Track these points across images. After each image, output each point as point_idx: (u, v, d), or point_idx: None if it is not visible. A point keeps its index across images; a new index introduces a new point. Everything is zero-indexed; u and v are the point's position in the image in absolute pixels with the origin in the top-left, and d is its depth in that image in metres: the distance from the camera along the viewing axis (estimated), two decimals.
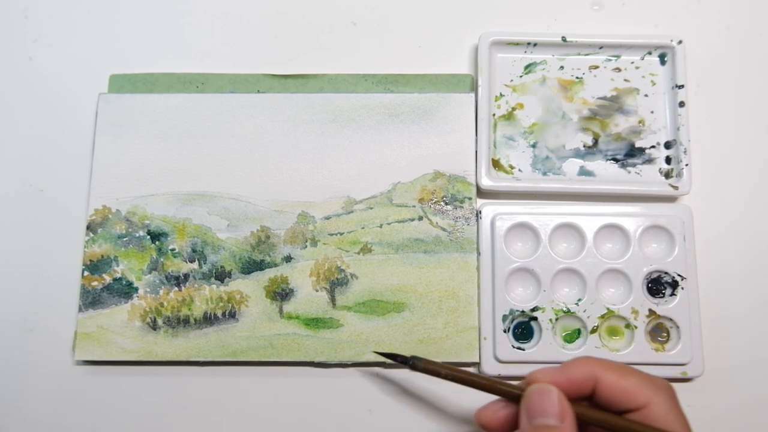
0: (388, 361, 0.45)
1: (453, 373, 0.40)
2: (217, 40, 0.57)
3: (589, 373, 0.36)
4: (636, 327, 0.49)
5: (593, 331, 0.49)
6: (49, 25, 0.57)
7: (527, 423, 0.36)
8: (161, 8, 0.58)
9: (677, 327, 0.49)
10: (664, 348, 0.49)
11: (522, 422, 0.36)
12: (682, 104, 0.53)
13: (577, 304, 0.49)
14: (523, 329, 0.50)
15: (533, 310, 0.49)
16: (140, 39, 0.57)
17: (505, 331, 0.49)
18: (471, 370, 0.48)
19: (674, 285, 0.49)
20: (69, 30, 0.57)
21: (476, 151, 0.52)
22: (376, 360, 0.49)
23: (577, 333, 0.50)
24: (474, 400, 0.49)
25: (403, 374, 0.50)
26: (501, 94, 0.54)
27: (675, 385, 0.45)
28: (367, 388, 0.50)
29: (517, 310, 0.49)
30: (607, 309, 0.49)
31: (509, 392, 0.38)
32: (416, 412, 0.50)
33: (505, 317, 0.49)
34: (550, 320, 0.49)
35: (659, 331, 0.50)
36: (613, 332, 0.49)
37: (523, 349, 0.49)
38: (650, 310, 0.49)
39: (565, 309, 0.49)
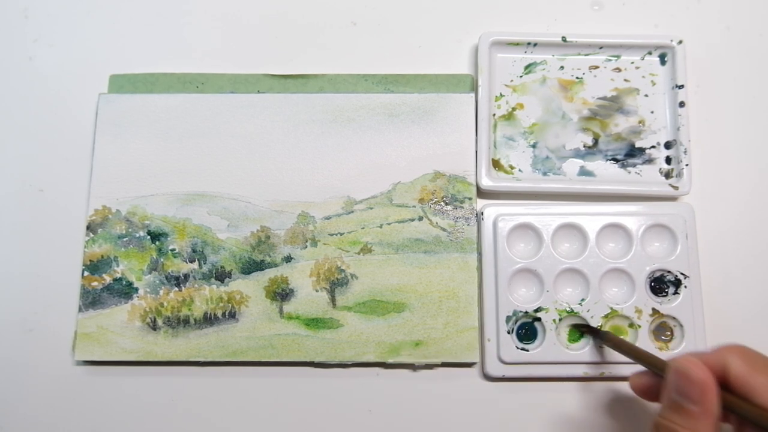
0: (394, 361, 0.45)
1: (631, 347, 0.45)
2: (217, 40, 0.57)
3: (722, 358, 0.36)
4: (640, 326, 0.49)
5: None
6: (49, 25, 0.57)
7: (667, 394, 0.36)
8: (161, 8, 0.58)
9: (681, 326, 0.49)
10: (668, 347, 0.49)
11: (664, 393, 0.36)
12: (682, 104, 0.53)
13: (580, 304, 0.49)
14: (527, 330, 0.50)
15: (537, 310, 0.49)
16: (140, 39, 0.57)
17: (508, 332, 0.49)
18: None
19: (677, 284, 0.49)
20: (69, 30, 0.57)
21: (476, 151, 0.52)
22: (376, 360, 0.49)
23: (581, 333, 0.49)
24: (473, 399, 0.49)
25: (404, 374, 0.50)
26: (501, 94, 0.54)
27: None
28: (367, 388, 0.50)
29: (521, 311, 0.49)
30: (611, 308, 0.49)
31: (660, 365, 0.40)
32: (416, 412, 0.49)
33: (508, 318, 0.49)
34: (554, 321, 0.49)
35: (663, 329, 0.49)
36: (617, 332, 0.49)
37: (527, 350, 0.49)
38: (654, 309, 0.49)
39: (568, 309, 0.49)
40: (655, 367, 0.40)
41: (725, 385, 0.35)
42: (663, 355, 0.48)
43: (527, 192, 0.52)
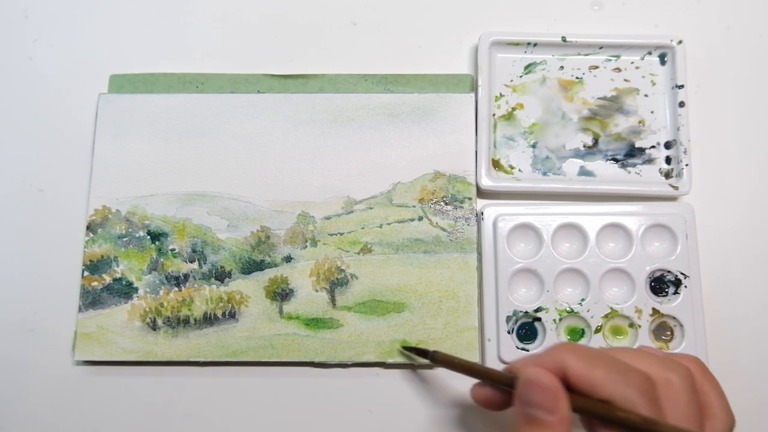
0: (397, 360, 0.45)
1: (464, 364, 0.43)
2: (217, 40, 0.57)
3: (559, 361, 0.35)
4: (640, 326, 0.49)
5: (597, 330, 0.49)
6: (49, 25, 0.57)
7: (520, 409, 0.36)
8: (161, 8, 0.58)
9: (681, 325, 0.49)
10: (668, 347, 0.49)
11: (515, 406, 0.36)
12: (682, 104, 0.53)
13: (580, 304, 0.49)
14: (527, 330, 0.50)
15: (537, 310, 0.49)
16: (140, 39, 0.57)
17: (509, 332, 0.49)
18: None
19: (677, 283, 0.49)
20: (69, 30, 0.57)
21: (476, 151, 0.52)
22: (376, 360, 0.49)
23: (581, 333, 0.49)
24: (471, 401, 0.49)
25: (404, 374, 0.50)
26: (501, 94, 0.54)
27: None
28: (367, 388, 0.50)
29: (521, 311, 0.49)
30: (611, 308, 0.49)
31: (503, 379, 0.39)
32: (416, 412, 0.49)
33: (508, 318, 0.49)
34: (554, 320, 0.49)
35: (663, 329, 0.49)
36: (617, 331, 0.49)
37: (528, 350, 0.49)
38: (654, 309, 0.49)
39: (568, 309, 0.49)
40: (498, 382, 0.39)
41: (566, 385, 0.35)
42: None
43: (527, 192, 0.52)
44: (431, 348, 0.47)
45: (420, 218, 0.51)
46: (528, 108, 0.54)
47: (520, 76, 0.55)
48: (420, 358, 0.48)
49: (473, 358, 0.49)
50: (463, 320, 0.49)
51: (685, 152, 0.52)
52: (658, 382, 0.35)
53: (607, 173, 0.53)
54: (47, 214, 0.53)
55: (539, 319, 0.49)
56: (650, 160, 0.53)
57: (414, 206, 0.52)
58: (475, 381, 0.41)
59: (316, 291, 0.50)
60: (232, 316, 0.50)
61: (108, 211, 0.52)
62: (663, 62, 0.54)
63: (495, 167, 0.53)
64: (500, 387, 0.39)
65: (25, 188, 0.54)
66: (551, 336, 0.49)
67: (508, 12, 0.57)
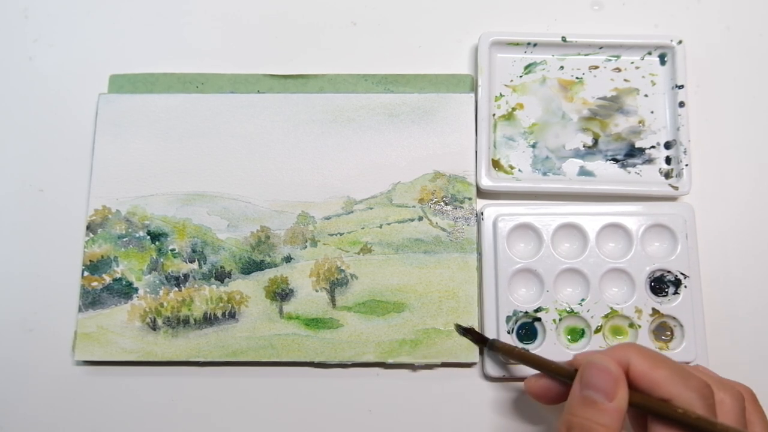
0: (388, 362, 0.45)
1: (523, 354, 0.44)
2: (217, 40, 0.57)
3: (623, 356, 0.36)
4: (640, 326, 0.49)
5: (597, 330, 0.49)
6: (49, 25, 0.57)
7: (578, 391, 0.37)
8: (161, 8, 0.58)
9: (681, 326, 0.49)
10: (668, 347, 0.49)
11: (574, 388, 0.37)
12: (682, 104, 0.53)
13: (580, 304, 0.49)
14: (527, 330, 0.50)
15: (537, 310, 0.49)
16: (140, 39, 0.57)
17: (509, 332, 0.49)
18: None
19: (677, 284, 0.49)
20: (69, 30, 0.57)
21: (476, 151, 0.52)
22: (376, 360, 0.49)
23: (581, 333, 0.49)
24: (473, 399, 0.49)
25: (404, 374, 0.50)
26: (501, 94, 0.54)
27: None
28: (367, 388, 0.50)
29: (521, 311, 0.49)
30: (611, 308, 0.49)
31: (563, 372, 0.40)
32: (416, 412, 0.49)
33: (508, 318, 0.49)
34: (554, 321, 0.49)
35: (663, 329, 0.49)
36: (617, 332, 0.49)
37: (528, 350, 0.49)
38: (654, 309, 0.49)
39: (568, 309, 0.49)
40: (557, 374, 0.40)
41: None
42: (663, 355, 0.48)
43: (527, 192, 0.52)
44: (432, 347, 0.47)
45: (420, 218, 0.51)
46: (528, 108, 0.54)
47: (520, 76, 0.55)
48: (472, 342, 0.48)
49: (473, 358, 0.49)
50: (463, 320, 0.49)
51: (685, 152, 0.52)
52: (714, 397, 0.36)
53: (607, 173, 0.53)
54: (47, 214, 0.53)
55: (539, 319, 0.49)
56: (650, 160, 0.53)
57: (414, 206, 0.52)
58: (531, 372, 0.42)
59: (316, 291, 0.50)
60: (232, 316, 0.50)
61: (108, 211, 0.52)
62: (663, 62, 0.54)
63: (495, 167, 0.53)
64: (559, 379, 0.40)
65: (25, 188, 0.54)
66: (551, 336, 0.49)
67: (508, 12, 0.57)
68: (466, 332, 0.46)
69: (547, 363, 0.41)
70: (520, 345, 0.49)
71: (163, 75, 0.55)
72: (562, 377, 0.40)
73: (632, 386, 0.36)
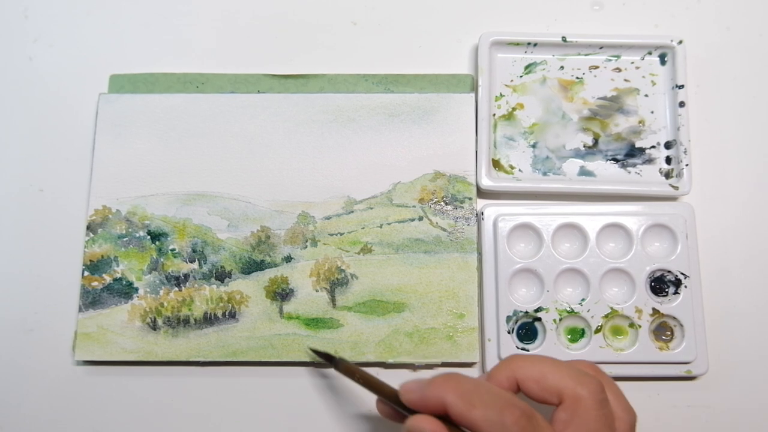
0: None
1: (365, 376, 0.42)
2: (217, 40, 0.57)
3: (440, 397, 0.35)
4: (640, 326, 0.49)
5: (597, 330, 0.49)
6: (49, 25, 0.57)
7: None
8: (161, 8, 0.58)
9: (681, 325, 0.49)
10: (668, 347, 0.49)
11: None
12: (682, 104, 0.53)
13: (580, 304, 0.49)
14: (527, 330, 0.50)
15: (537, 310, 0.49)
16: (140, 39, 0.57)
17: (509, 332, 0.49)
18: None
19: (677, 283, 0.49)
20: (69, 30, 0.57)
21: (476, 151, 0.52)
22: (376, 360, 0.49)
23: (581, 333, 0.49)
24: None
25: (404, 374, 0.50)
26: (501, 94, 0.54)
27: (679, 383, 0.45)
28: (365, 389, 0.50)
29: (521, 311, 0.49)
30: (611, 308, 0.49)
31: (395, 400, 0.39)
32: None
33: (509, 318, 0.49)
34: (554, 321, 0.49)
35: (663, 329, 0.49)
36: (617, 331, 0.49)
37: (528, 350, 0.49)
38: (654, 309, 0.49)
39: (568, 309, 0.49)
40: (390, 400, 0.40)
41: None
42: (663, 355, 0.48)
43: (527, 192, 0.52)
44: (432, 347, 0.47)
45: (420, 218, 0.51)
46: (528, 108, 0.54)
47: (520, 76, 0.55)
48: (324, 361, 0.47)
49: (473, 358, 0.49)
50: (463, 320, 0.49)
51: (685, 152, 0.52)
52: (566, 398, 0.35)
53: (607, 173, 0.53)
54: (47, 214, 0.53)
55: (539, 319, 0.49)
56: (650, 160, 0.53)
57: (414, 206, 0.52)
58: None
59: (316, 291, 0.50)
60: (232, 316, 0.50)
61: (108, 211, 0.52)
62: (663, 62, 0.54)
63: (495, 167, 0.53)
64: (393, 407, 0.40)
65: (25, 188, 0.54)
66: (551, 336, 0.49)
67: (508, 12, 0.57)
68: (316, 353, 0.47)
69: (381, 389, 0.41)
70: (520, 344, 0.49)
71: (163, 75, 0.55)
72: (395, 405, 0.39)
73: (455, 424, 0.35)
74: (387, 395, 0.40)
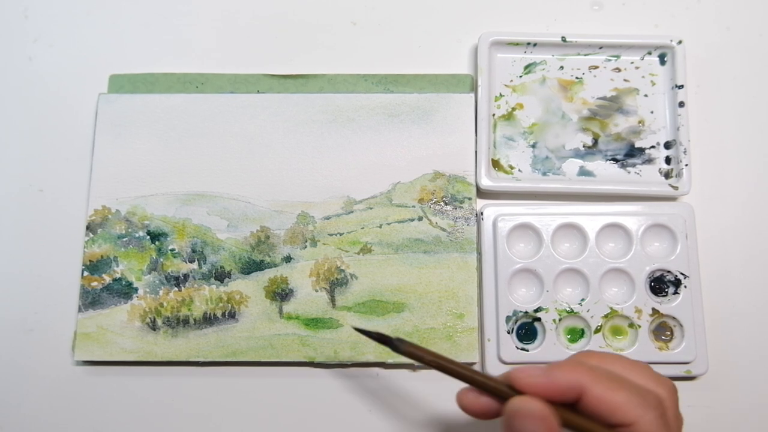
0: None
1: (437, 359, 0.37)
2: (217, 40, 0.57)
3: (576, 382, 0.34)
4: (639, 326, 0.49)
5: (597, 330, 0.49)
6: (49, 25, 0.57)
7: None
8: (161, 8, 0.58)
9: (681, 325, 0.49)
10: (668, 347, 0.49)
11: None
12: (682, 104, 0.53)
13: (580, 304, 0.49)
14: (527, 330, 0.50)
15: (536, 310, 0.49)
16: (140, 39, 0.57)
17: (508, 332, 0.49)
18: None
19: (677, 283, 0.49)
20: (69, 30, 0.57)
21: (476, 151, 0.52)
22: (376, 360, 0.49)
23: (581, 333, 0.50)
24: None
25: (404, 374, 0.50)
26: (501, 94, 0.54)
27: (679, 384, 0.45)
28: (367, 388, 0.50)
29: (521, 311, 0.49)
30: (611, 308, 0.49)
31: (493, 388, 0.36)
32: (416, 412, 0.49)
33: (508, 318, 0.49)
34: (554, 321, 0.49)
35: (663, 329, 0.49)
36: (616, 331, 0.49)
37: (527, 350, 0.49)
38: (653, 309, 0.49)
39: (568, 309, 0.49)
40: (490, 391, 0.36)
41: (576, 404, 0.34)
42: (663, 355, 0.48)
43: (527, 192, 0.52)
44: (432, 347, 0.46)
45: (420, 218, 0.51)
46: (528, 108, 0.54)
47: (520, 76, 0.55)
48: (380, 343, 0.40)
49: (473, 358, 0.49)
50: (463, 320, 0.49)
51: (684, 152, 0.52)
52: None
53: (606, 173, 0.53)
54: (47, 214, 0.53)
55: (539, 319, 0.49)
56: (650, 160, 0.53)
57: (414, 206, 0.52)
58: (461, 384, 0.37)
59: (316, 291, 0.50)
60: (231, 316, 0.50)
61: (108, 211, 0.52)
62: (663, 62, 0.54)
63: (495, 167, 0.53)
64: (489, 394, 0.36)
65: (25, 188, 0.54)
66: (551, 336, 0.49)
67: (508, 12, 0.57)
68: (366, 333, 0.40)
69: (473, 377, 0.36)
70: (520, 344, 0.49)
71: (163, 75, 0.55)
72: (494, 394, 0.36)
73: (584, 410, 0.34)
74: (481, 383, 0.36)
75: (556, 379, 0.34)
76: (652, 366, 0.47)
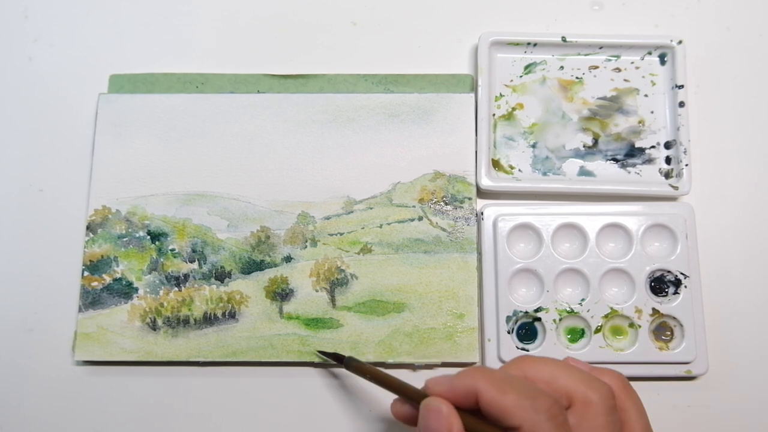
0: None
1: (377, 374, 0.42)
2: (217, 40, 0.57)
3: (471, 386, 0.35)
4: (640, 326, 0.49)
5: (597, 330, 0.49)
6: (49, 25, 0.57)
7: None
8: (161, 8, 0.58)
9: (681, 325, 0.49)
10: (668, 347, 0.49)
11: (417, 429, 0.37)
12: (682, 104, 0.53)
13: (580, 304, 0.49)
14: (527, 330, 0.50)
15: (537, 310, 0.49)
16: (140, 39, 0.57)
17: (509, 333, 0.49)
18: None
19: (677, 283, 0.49)
20: (69, 30, 0.57)
21: (476, 151, 0.52)
22: (376, 360, 0.49)
23: (581, 333, 0.50)
24: None
25: (404, 374, 0.50)
26: (501, 94, 0.54)
27: (679, 383, 0.45)
28: (366, 388, 0.50)
29: (521, 311, 0.49)
30: (611, 308, 0.49)
31: (413, 394, 0.39)
32: None
33: (508, 318, 0.49)
34: (554, 321, 0.49)
35: (663, 329, 0.49)
36: (617, 331, 0.49)
37: (528, 350, 0.49)
38: (654, 309, 0.49)
39: (568, 309, 0.49)
40: (410, 398, 0.39)
41: (476, 410, 0.36)
42: (663, 355, 0.48)
43: (527, 192, 0.52)
44: (432, 347, 0.47)
45: (420, 218, 0.51)
46: (528, 108, 0.54)
47: (520, 76, 0.55)
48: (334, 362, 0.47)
49: (473, 358, 0.49)
50: (463, 320, 0.49)
51: (685, 152, 0.52)
52: (576, 402, 0.35)
53: (607, 173, 0.53)
54: (47, 214, 0.53)
55: (539, 319, 0.49)
56: (650, 160, 0.53)
57: (414, 206, 0.52)
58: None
59: (316, 291, 0.50)
60: (232, 316, 0.50)
61: (108, 211, 0.52)
62: (663, 62, 0.54)
63: (495, 167, 0.53)
64: (412, 403, 0.39)
65: (25, 188, 0.54)
66: (551, 336, 0.49)
67: (508, 12, 0.57)
68: (325, 355, 0.48)
69: (399, 386, 0.40)
70: (520, 344, 0.49)
71: (163, 75, 0.55)
72: (415, 402, 0.38)
73: (484, 413, 0.35)
74: (403, 391, 0.39)
75: (454, 384, 0.36)
76: (651, 365, 0.48)
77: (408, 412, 0.39)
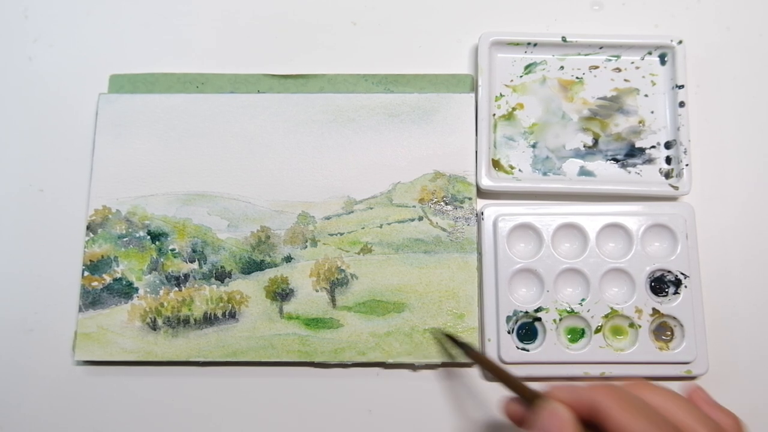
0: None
1: (496, 368, 0.43)
2: (217, 40, 0.57)
3: (596, 401, 0.35)
4: (640, 326, 0.49)
5: (597, 330, 0.49)
6: (49, 25, 0.57)
7: None
8: (161, 8, 0.58)
9: (681, 325, 0.49)
10: (668, 347, 0.49)
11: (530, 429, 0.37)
12: (682, 104, 0.53)
13: (580, 304, 0.49)
14: (527, 330, 0.50)
15: (537, 310, 0.49)
16: (140, 39, 0.57)
17: (509, 332, 0.49)
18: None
19: (677, 283, 0.49)
20: (69, 30, 0.57)
21: (476, 151, 0.52)
22: (376, 360, 0.49)
23: (582, 333, 0.50)
24: (473, 399, 0.49)
25: (404, 374, 0.50)
26: (501, 94, 0.54)
27: (679, 384, 0.45)
28: (367, 388, 0.50)
29: (521, 311, 0.49)
30: (611, 308, 0.49)
31: (529, 396, 0.39)
32: (416, 412, 0.49)
33: (509, 318, 0.49)
34: (554, 321, 0.49)
35: (663, 329, 0.49)
36: (617, 331, 0.49)
37: (528, 350, 0.49)
38: (654, 309, 0.49)
39: (568, 309, 0.49)
40: (524, 397, 0.39)
41: (597, 425, 0.35)
42: (663, 355, 0.48)
43: (527, 192, 0.52)
44: (432, 347, 0.47)
45: (420, 218, 0.51)
46: (528, 108, 0.54)
47: (520, 76, 0.55)
48: (453, 349, 0.48)
49: None
50: (463, 320, 0.49)
51: (685, 152, 0.52)
52: None
53: (607, 173, 0.53)
54: (47, 214, 0.53)
55: (539, 319, 0.49)
56: (650, 160, 0.53)
57: (414, 206, 0.52)
58: (507, 393, 0.41)
59: (316, 291, 0.50)
60: (232, 316, 0.50)
61: (108, 211, 0.52)
62: (663, 62, 0.54)
63: (495, 167, 0.53)
64: (524, 402, 0.39)
65: (25, 188, 0.54)
66: (551, 336, 0.49)
67: (508, 12, 0.57)
68: (449, 338, 0.48)
69: (516, 385, 0.40)
70: (520, 344, 0.49)
71: (163, 75, 0.55)
72: (529, 402, 0.39)
73: (603, 430, 0.35)
74: (519, 390, 0.40)
75: (579, 395, 0.36)
76: (651, 365, 0.48)
77: (519, 411, 0.39)
